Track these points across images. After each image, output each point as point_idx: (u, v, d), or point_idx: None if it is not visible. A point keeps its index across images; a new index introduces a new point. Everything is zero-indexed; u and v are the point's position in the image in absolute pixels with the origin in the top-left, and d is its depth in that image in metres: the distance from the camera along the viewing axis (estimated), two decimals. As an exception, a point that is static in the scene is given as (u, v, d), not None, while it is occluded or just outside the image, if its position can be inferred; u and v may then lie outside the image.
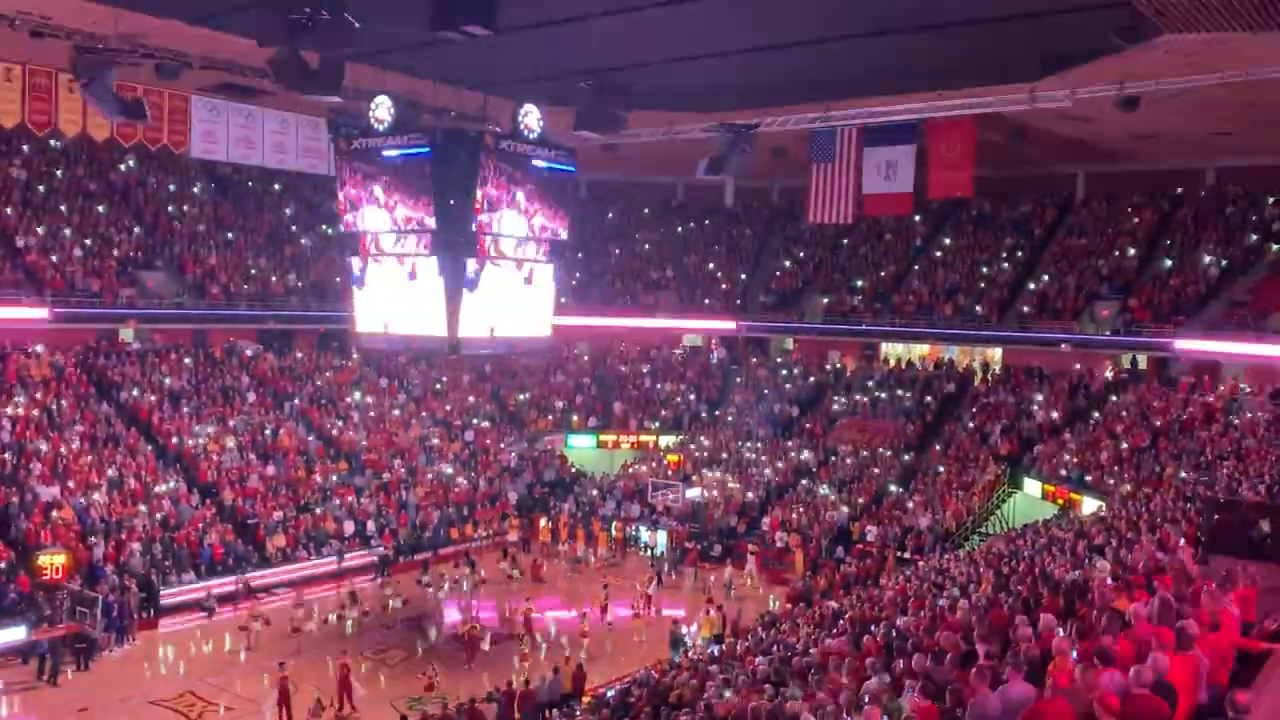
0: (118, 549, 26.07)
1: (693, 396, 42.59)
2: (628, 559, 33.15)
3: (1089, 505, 28.27)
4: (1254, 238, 35.42)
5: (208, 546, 27.86)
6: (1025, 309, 38.08)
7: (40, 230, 33.80)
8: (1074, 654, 7.73)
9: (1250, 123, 30.05)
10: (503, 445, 38.99)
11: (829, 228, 42.90)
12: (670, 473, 37.38)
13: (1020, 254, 40.93)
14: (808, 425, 39.21)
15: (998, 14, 17.51)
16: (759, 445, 38.59)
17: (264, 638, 24.07)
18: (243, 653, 23.67)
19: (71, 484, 27.57)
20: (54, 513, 26.18)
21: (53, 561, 24.26)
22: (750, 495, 35.38)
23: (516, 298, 17.36)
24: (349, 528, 31.16)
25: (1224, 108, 27.46)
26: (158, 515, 28.03)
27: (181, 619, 25.88)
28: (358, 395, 38.00)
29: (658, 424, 41.40)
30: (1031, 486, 32.29)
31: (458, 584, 29.39)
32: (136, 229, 36.77)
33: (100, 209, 36.33)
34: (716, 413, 41.78)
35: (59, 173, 36.42)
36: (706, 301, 45.40)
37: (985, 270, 40.85)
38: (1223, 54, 19.37)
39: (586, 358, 44.68)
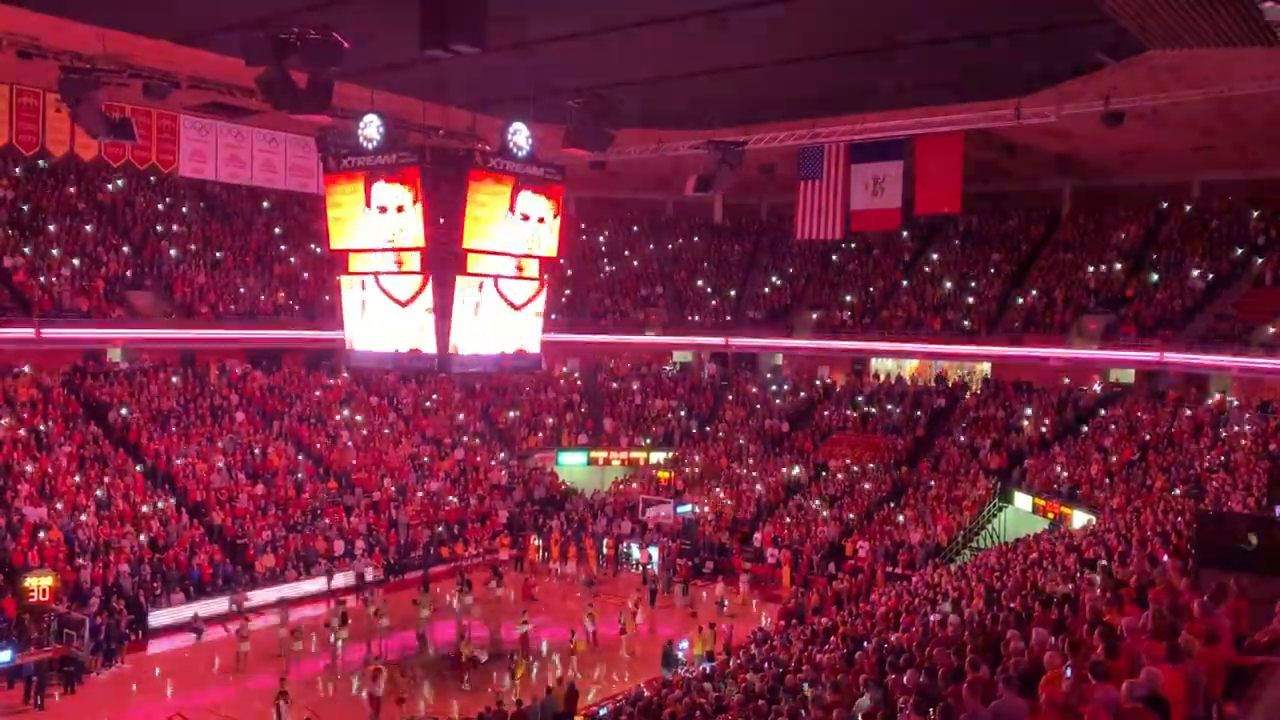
0: (105, 570, 25.88)
1: (683, 413, 42.59)
2: (619, 576, 33.00)
3: (1079, 519, 28.31)
4: (1239, 251, 35.65)
5: (196, 567, 27.68)
6: (1014, 323, 38.21)
7: (28, 250, 33.66)
8: (1066, 668, 7.72)
9: (1234, 137, 30.34)
10: (493, 463, 38.88)
11: (817, 244, 43.08)
12: (661, 489, 37.30)
13: (1008, 269, 41.12)
14: (798, 441, 39.23)
15: (983, 31, 17.67)
16: (750, 461, 38.57)
17: (252, 658, 23.90)
18: (232, 674, 23.49)
19: (59, 505, 27.39)
20: (41, 534, 25.98)
21: (40, 583, 24.02)
22: (741, 511, 35.34)
23: (506, 315, 17.35)
24: (339, 547, 31.02)
25: (1208, 122, 27.74)
26: (146, 536, 27.85)
27: (170, 640, 25.68)
28: (347, 414, 37.89)
29: (648, 440, 41.36)
30: (1022, 500, 32.32)
31: (449, 604, 29.24)
32: (125, 248, 36.66)
33: (88, 228, 36.21)
34: (707, 429, 41.77)
35: (47, 192, 36.28)
36: (696, 318, 45.47)
37: (973, 285, 41.01)
38: (1206, 69, 19.58)
39: (577, 375, 44.66)
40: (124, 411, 32.27)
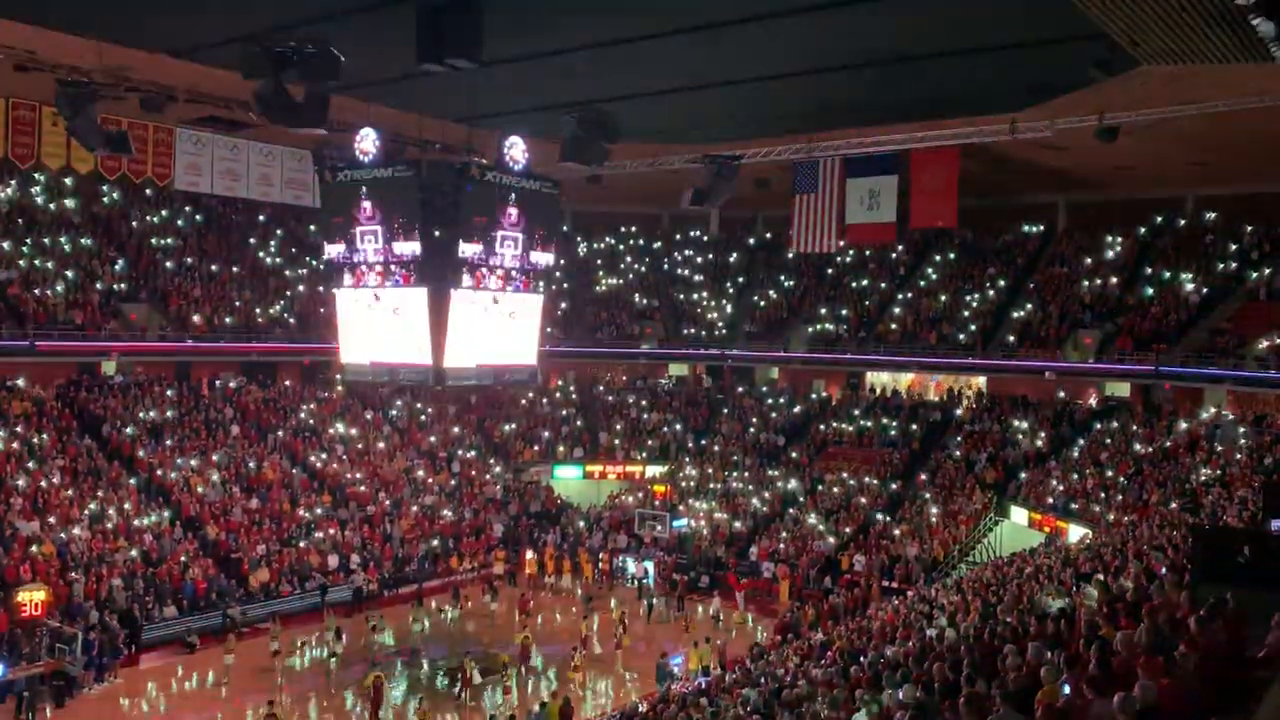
0: (98, 584, 25.76)
1: (679, 426, 42.54)
2: (615, 591, 32.89)
3: (1075, 533, 28.29)
4: (1233, 265, 35.75)
5: (190, 581, 27.56)
6: (1009, 337, 38.25)
7: (22, 262, 33.60)
8: (1063, 683, 7.71)
9: (1227, 152, 30.43)
10: (488, 477, 38.80)
11: (813, 257, 43.18)
12: (657, 503, 37.24)
13: (1003, 282, 41.19)
14: (794, 454, 39.19)
15: (978, 46, 17.72)
16: (746, 475, 38.52)
17: (244, 672, 23.80)
18: (223, 689, 23.38)
19: (52, 519, 27.27)
20: (34, 548, 25.86)
21: (32, 598, 23.91)
22: (738, 525, 35.27)
23: (502, 328, 17.33)
24: (333, 561, 30.90)
25: (1201, 138, 27.81)
26: (139, 550, 27.72)
27: (163, 655, 25.55)
28: (341, 427, 37.81)
29: (644, 454, 41.30)
30: (1018, 514, 32.31)
31: (443, 618, 29.16)
32: (120, 261, 36.63)
33: (84, 241, 36.17)
34: (703, 442, 41.73)
35: (42, 204, 36.24)
36: (692, 331, 45.47)
37: (969, 299, 41.08)
38: (1199, 85, 19.66)
39: (573, 388, 44.63)
40: (118, 425, 32.17)
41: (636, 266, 48.86)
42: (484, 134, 19.39)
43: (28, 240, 34.46)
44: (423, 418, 41.04)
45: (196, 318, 36.12)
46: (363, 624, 27.64)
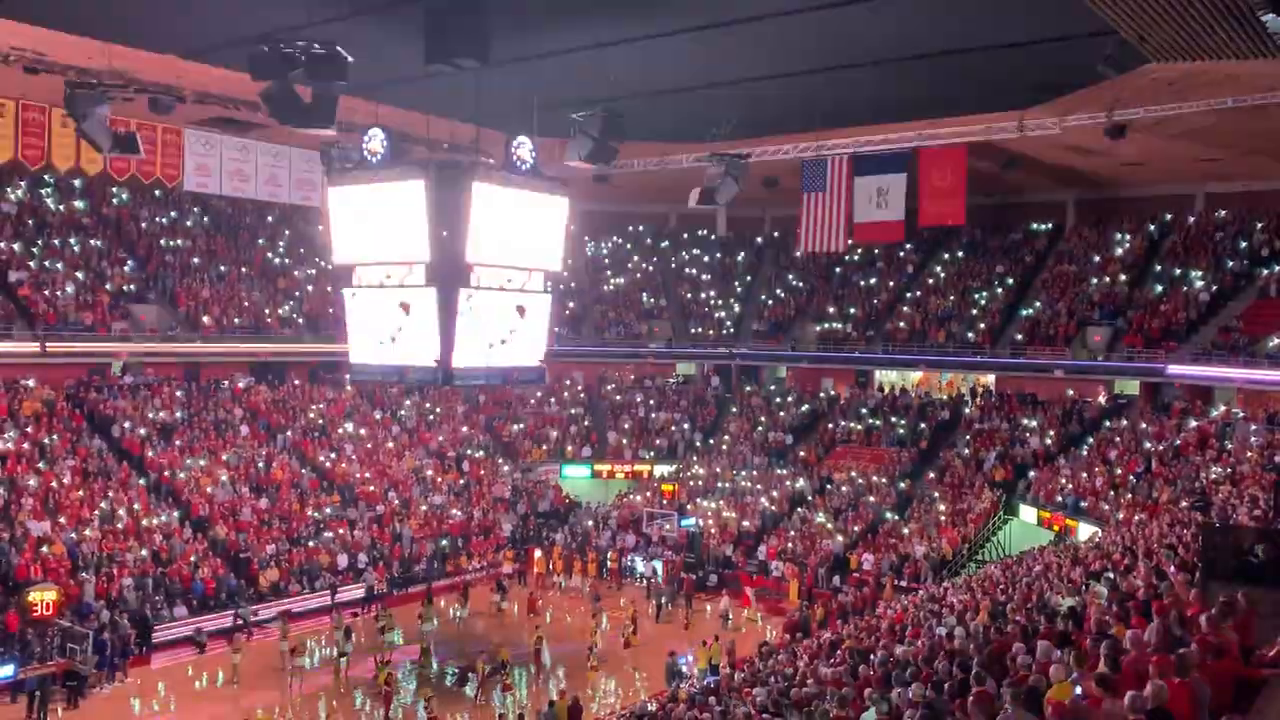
0: (109, 584, 25.87)
1: (687, 425, 42.54)
2: (623, 590, 32.89)
3: (1085, 531, 28.21)
4: (1243, 262, 35.60)
5: (200, 581, 27.67)
6: (1018, 335, 38.16)
7: (32, 264, 33.75)
8: (1073, 683, 7.68)
9: (1237, 149, 30.34)
10: (497, 476, 38.85)
11: (821, 256, 43.12)
12: (665, 502, 37.23)
13: (1012, 280, 41.10)
14: (802, 453, 39.16)
15: (986, 44, 17.71)
16: (754, 473, 38.50)
17: (254, 672, 23.86)
18: (234, 686, 23.46)
19: (63, 519, 27.39)
20: (44, 548, 25.98)
21: (43, 597, 24.02)
22: (746, 524, 35.25)
23: (510, 328, 17.35)
24: (342, 561, 30.98)
25: (1210, 134, 27.74)
26: (149, 550, 27.82)
27: (174, 654, 25.64)
28: (350, 427, 37.89)
29: (652, 453, 41.31)
30: (1027, 513, 32.22)
31: (452, 617, 29.21)
32: (129, 262, 36.76)
33: (93, 242, 36.30)
34: (711, 441, 41.72)
35: (51, 206, 36.39)
36: (700, 330, 45.46)
37: (977, 297, 40.99)
38: (1208, 81, 19.61)
39: (581, 387, 44.66)
40: (128, 425, 32.29)
41: (644, 266, 48.86)
42: (492, 133, 19.43)
43: (38, 242, 34.60)
44: (431, 417, 41.11)
45: (205, 318, 36.24)
46: (372, 623, 27.74)
